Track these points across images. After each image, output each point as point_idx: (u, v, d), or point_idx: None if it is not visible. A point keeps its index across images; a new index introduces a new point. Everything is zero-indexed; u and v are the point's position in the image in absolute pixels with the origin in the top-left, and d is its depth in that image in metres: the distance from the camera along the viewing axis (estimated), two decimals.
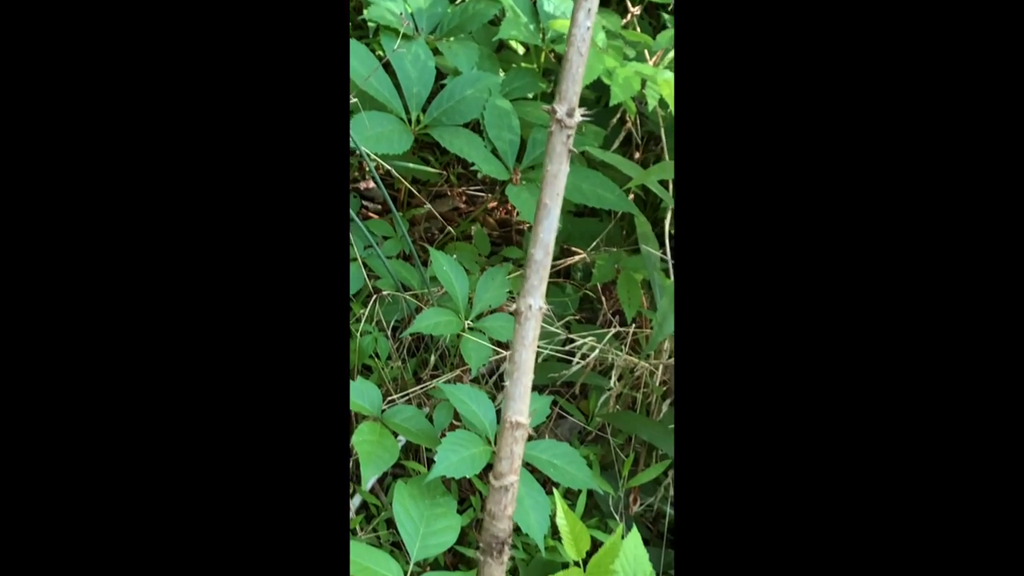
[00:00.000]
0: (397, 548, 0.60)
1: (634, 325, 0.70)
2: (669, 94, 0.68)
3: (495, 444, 0.37)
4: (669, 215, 0.72)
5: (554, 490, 0.55)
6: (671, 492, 0.70)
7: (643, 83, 0.68)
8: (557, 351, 0.69)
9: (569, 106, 0.37)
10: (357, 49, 0.65)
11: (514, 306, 0.37)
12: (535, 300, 0.36)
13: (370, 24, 0.71)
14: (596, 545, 0.61)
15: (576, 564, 0.52)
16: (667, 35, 0.71)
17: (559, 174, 0.38)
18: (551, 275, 0.81)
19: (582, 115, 0.38)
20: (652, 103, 0.69)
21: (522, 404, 0.35)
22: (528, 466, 0.63)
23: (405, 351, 0.69)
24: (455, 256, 0.68)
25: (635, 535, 0.54)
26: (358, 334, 0.65)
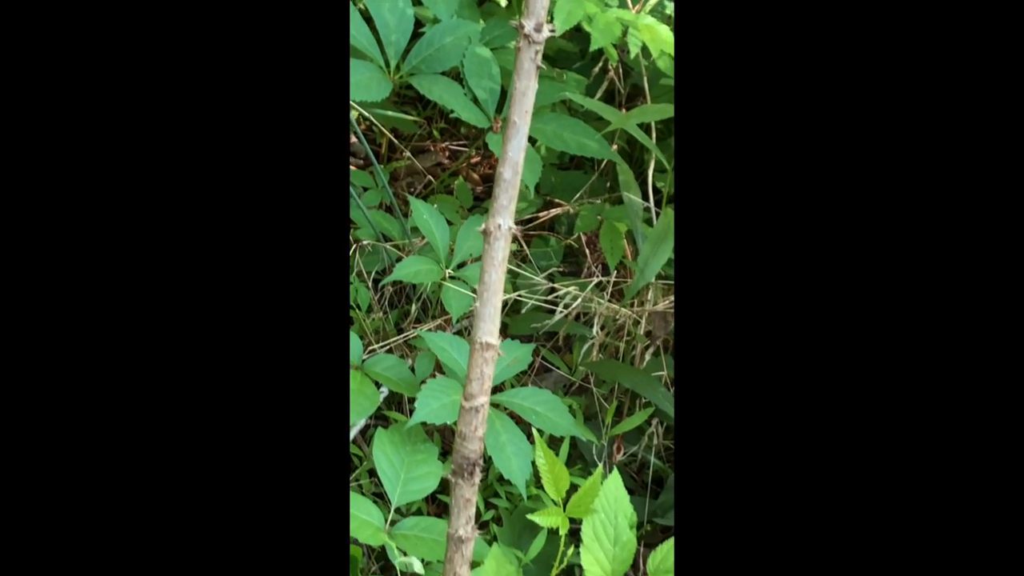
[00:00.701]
0: (380, 498, 0.59)
1: (616, 274, 0.68)
2: (652, 40, 0.65)
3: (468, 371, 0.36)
4: (652, 164, 0.70)
5: (535, 433, 0.54)
6: (655, 441, 0.69)
7: (625, 30, 0.66)
8: (540, 301, 0.68)
9: (537, 20, 0.35)
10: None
11: (483, 226, 0.35)
12: (504, 220, 0.35)
13: None
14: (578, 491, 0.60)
15: (556, 504, 0.51)
16: None
17: (527, 91, 0.36)
18: (535, 228, 0.80)
19: (549, 31, 0.36)
20: (634, 50, 0.66)
21: (491, 325, 0.34)
22: (510, 414, 0.63)
23: (387, 302, 0.67)
24: (436, 207, 0.66)
25: (616, 477, 0.52)
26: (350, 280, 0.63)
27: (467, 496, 0.35)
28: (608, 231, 0.68)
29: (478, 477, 0.35)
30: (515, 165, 0.36)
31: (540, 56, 0.36)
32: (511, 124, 0.36)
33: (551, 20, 0.64)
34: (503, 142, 0.36)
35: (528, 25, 0.35)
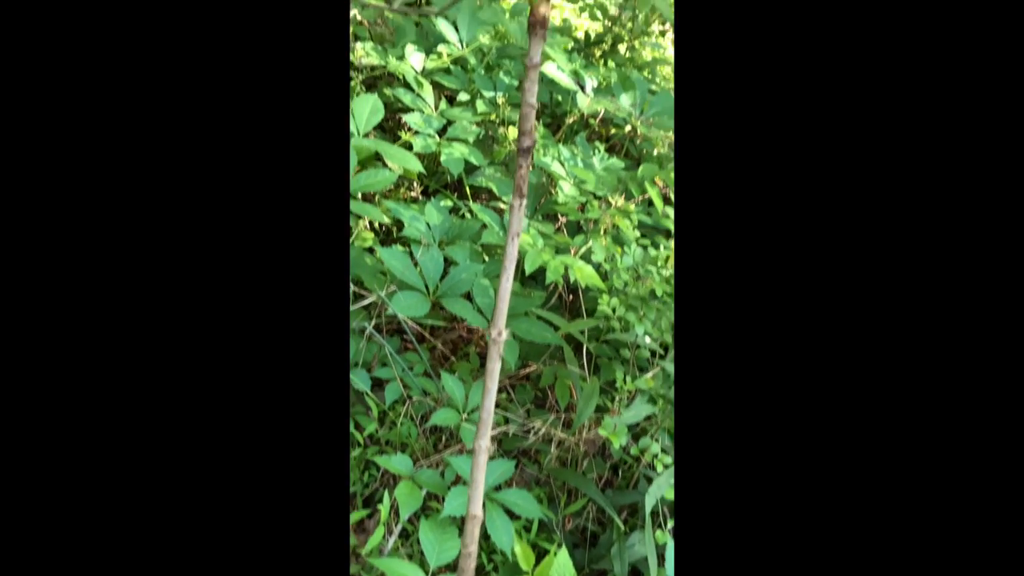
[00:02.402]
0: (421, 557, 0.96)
1: (566, 412, 1.07)
2: (580, 275, 1.06)
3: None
4: (584, 346, 1.09)
5: (511, 523, 0.92)
6: (591, 514, 1.06)
7: (566, 268, 1.06)
8: (520, 429, 1.06)
9: (497, 329, 0.74)
10: (397, 254, 1.03)
11: (472, 443, 0.73)
12: (484, 440, 0.73)
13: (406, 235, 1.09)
14: (542, 552, 0.96)
15: (526, 572, 0.88)
16: (580, 238, 1.09)
17: (495, 372, 0.74)
18: (516, 378, 1.19)
19: (505, 335, 0.75)
20: (572, 278, 1.07)
21: (483, 458, 0.71)
22: (502, 506, 1.00)
23: (428, 432, 1.05)
24: (456, 372, 1.05)
25: (564, 553, 0.89)
26: (399, 425, 1.01)
27: (471, 552, 0.72)
28: (560, 385, 1.07)
29: (475, 545, 0.72)
30: (493, 391, 0.74)
31: (502, 347, 0.75)
32: (489, 374, 0.75)
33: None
34: (487, 357, 0.75)
35: (493, 332, 0.74)
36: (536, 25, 0.49)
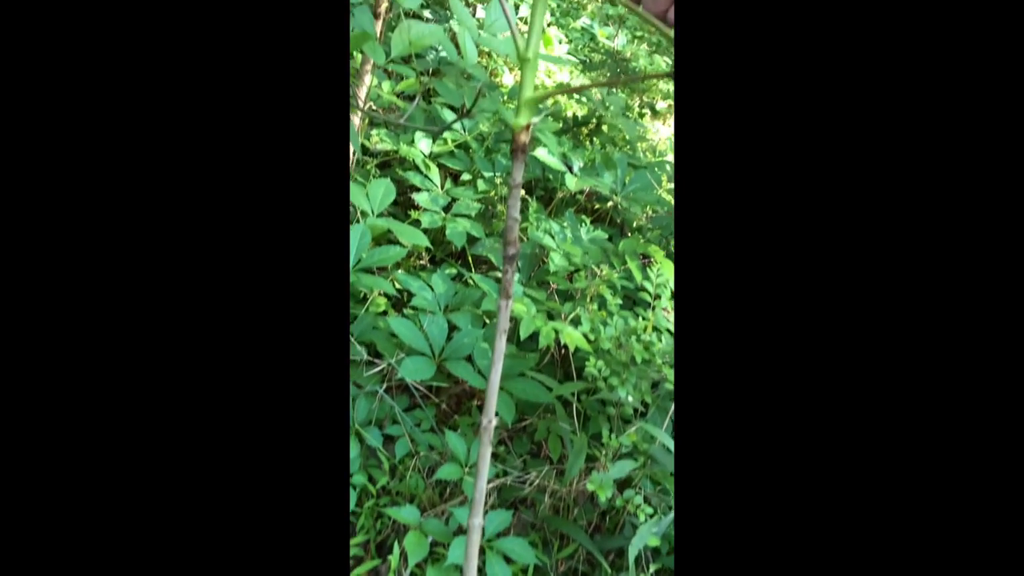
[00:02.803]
0: None
1: (559, 463, 1.17)
2: (569, 339, 1.17)
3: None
4: (574, 406, 1.20)
5: (508, 569, 1.01)
6: (581, 557, 1.14)
7: (557, 333, 1.18)
8: (516, 480, 1.16)
9: (488, 419, 0.84)
10: (405, 323, 1.15)
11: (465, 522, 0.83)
12: (477, 519, 0.83)
13: (415, 305, 1.22)
14: None
15: None
16: (568, 305, 1.21)
17: (485, 456, 0.85)
18: (513, 430, 1.29)
19: (496, 422, 0.86)
20: (563, 340, 1.18)
21: (479, 508, 0.81)
22: (500, 553, 1.09)
23: (435, 484, 1.15)
24: (459, 430, 1.15)
25: None
26: (408, 477, 1.11)
27: None
28: (553, 439, 1.17)
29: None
30: (485, 470, 0.84)
31: (491, 435, 0.86)
32: (483, 451, 0.85)
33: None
34: (480, 444, 0.85)
35: (484, 421, 0.85)
36: (517, 151, 0.56)
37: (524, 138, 0.50)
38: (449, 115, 1.36)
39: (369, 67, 1.18)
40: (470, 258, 1.35)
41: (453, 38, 1.22)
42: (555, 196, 1.44)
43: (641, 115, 1.51)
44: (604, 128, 1.48)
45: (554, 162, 1.30)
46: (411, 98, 1.33)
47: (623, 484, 1.08)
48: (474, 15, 1.27)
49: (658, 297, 1.13)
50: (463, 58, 1.05)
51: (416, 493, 1.12)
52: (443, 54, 1.47)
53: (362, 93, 1.20)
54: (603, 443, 1.08)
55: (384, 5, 1.17)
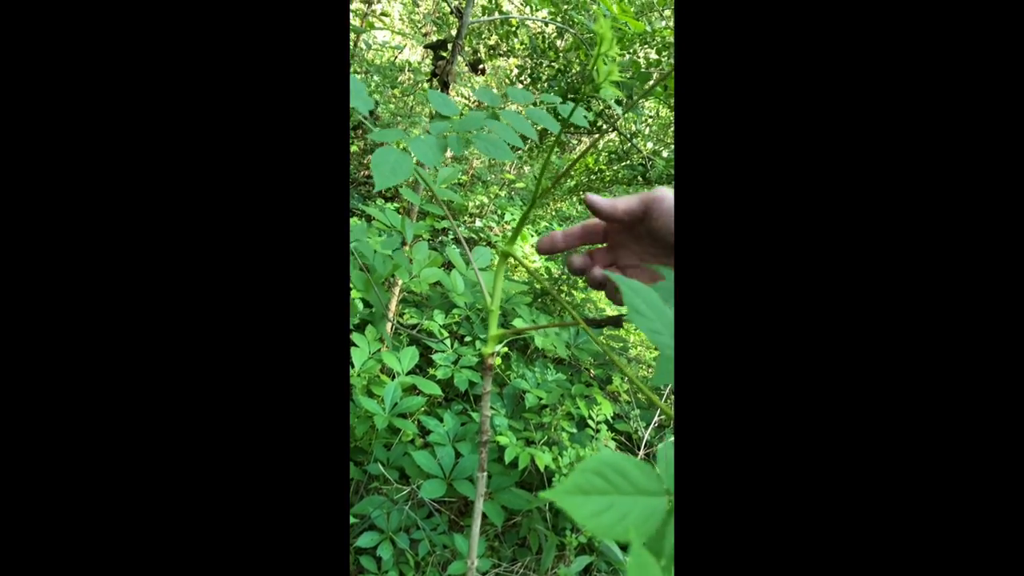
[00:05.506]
0: None
1: (539, 554, 1.52)
2: (541, 462, 1.56)
3: None
4: (546, 506, 1.56)
5: None
6: None
7: (532, 457, 1.58)
8: (505, 570, 1.51)
9: (471, 560, 0.50)
10: (424, 455, 1.57)
11: None
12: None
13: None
14: None
15: None
16: (540, 434, 1.62)
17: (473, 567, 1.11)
18: (505, 527, 1.65)
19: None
20: (537, 462, 1.58)
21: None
22: None
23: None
24: (465, 530, 1.53)
25: None
26: (426, 572, 1.48)
27: None
28: (532, 535, 1.53)
29: None
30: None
31: (475, 567, 0.82)
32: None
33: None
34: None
35: (468, 562, 0.50)
36: (486, 369, 0.54)
37: (491, 361, 0.54)
38: (459, 299, 1.85)
39: (399, 286, 1.69)
40: (472, 399, 1.79)
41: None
42: (529, 348, 1.90)
43: (584, 289, 2.00)
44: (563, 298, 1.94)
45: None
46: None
47: (586, 569, 1.42)
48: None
49: (598, 430, 1.53)
50: (453, 290, 1.55)
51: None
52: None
53: (396, 293, 1.70)
54: (565, 539, 1.44)
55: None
